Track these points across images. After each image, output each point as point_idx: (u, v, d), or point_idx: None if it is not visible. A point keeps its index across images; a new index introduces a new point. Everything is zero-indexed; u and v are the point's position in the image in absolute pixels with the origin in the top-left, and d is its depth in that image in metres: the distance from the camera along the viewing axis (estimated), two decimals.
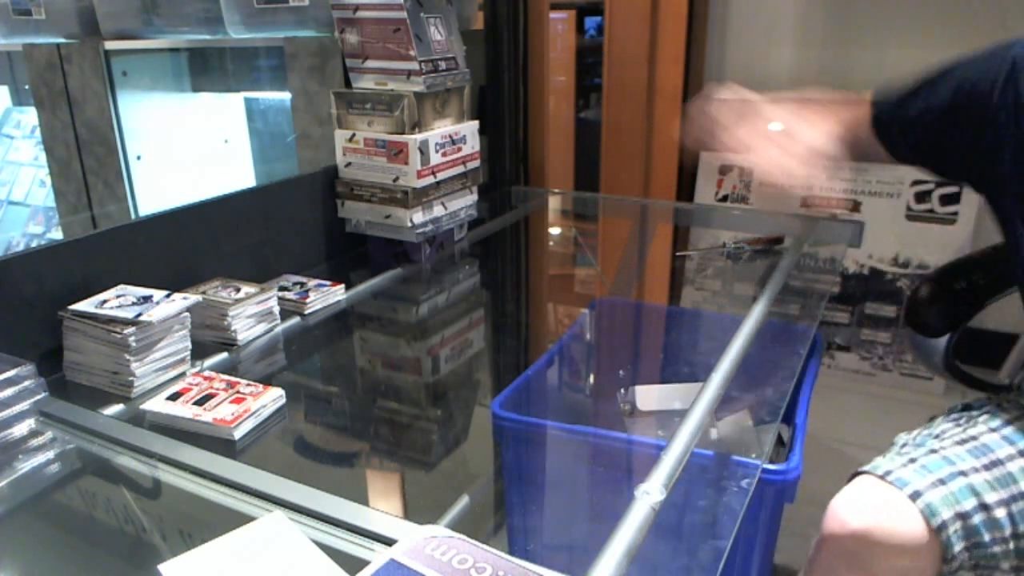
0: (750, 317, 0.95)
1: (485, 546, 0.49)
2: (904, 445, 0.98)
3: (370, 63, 1.04)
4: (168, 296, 0.87)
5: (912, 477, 0.88)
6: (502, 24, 1.59)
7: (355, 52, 0.98)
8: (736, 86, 1.04)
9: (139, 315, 0.82)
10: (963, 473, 0.88)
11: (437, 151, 1.20)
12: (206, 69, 2.18)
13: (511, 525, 0.93)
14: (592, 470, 0.93)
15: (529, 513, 0.94)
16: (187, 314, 0.87)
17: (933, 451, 0.91)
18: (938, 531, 0.84)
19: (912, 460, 0.91)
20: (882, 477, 0.88)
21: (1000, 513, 0.86)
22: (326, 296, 1.07)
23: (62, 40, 1.77)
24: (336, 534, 0.59)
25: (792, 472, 0.90)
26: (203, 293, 0.95)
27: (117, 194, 2.10)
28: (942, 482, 0.87)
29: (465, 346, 1.09)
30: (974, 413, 0.99)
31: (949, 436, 0.94)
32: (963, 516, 0.85)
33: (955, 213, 1.71)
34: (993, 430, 0.93)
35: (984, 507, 0.86)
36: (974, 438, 0.92)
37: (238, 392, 0.80)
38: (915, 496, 0.86)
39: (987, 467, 0.88)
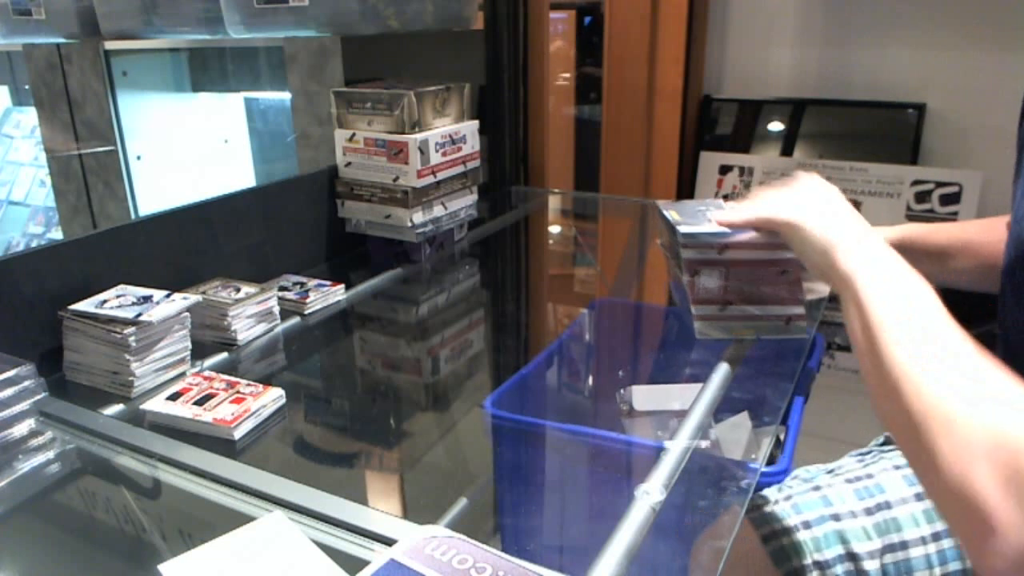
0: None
1: (485, 546, 0.49)
2: (795, 478, 0.91)
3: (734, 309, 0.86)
4: (168, 296, 0.87)
5: (774, 517, 0.82)
6: (502, 24, 1.59)
7: (711, 298, 0.81)
8: None
9: (139, 315, 0.82)
10: (836, 517, 0.81)
11: (437, 151, 1.20)
12: (206, 69, 2.18)
13: (503, 524, 0.93)
14: (586, 470, 0.93)
15: (522, 513, 0.94)
16: (187, 314, 0.87)
17: (816, 488, 0.85)
18: None
19: (788, 498, 0.85)
20: (747, 513, 0.82)
21: (871, 565, 0.78)
22: (326, 296, 1.07)
23: (62, 40, 1.77)
24: (336, 534, 0.59)
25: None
26: (203, 293, 0.95)
27: (117, 194, 2.10)
28: (807, 525, 0.81)
29: (465, 346, 1.09)
30: (887, 449, 0.91)
31: (843, 472, 0.87)
32: (821, 565, 0.79)
33: (955, 213, 1.71)
34: (898, 467, 0.84)
35: (852, 556, 0.78)
36: (870, 476, 0.84)
37: (238, 392, 0.80)
38: (767, 539, 0.81)
39: (869, 511, 0.80)
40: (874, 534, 0.79)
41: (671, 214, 0.87)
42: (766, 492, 0.87)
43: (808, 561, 0.79)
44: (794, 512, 0.83)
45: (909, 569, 0.77)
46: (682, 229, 0.81)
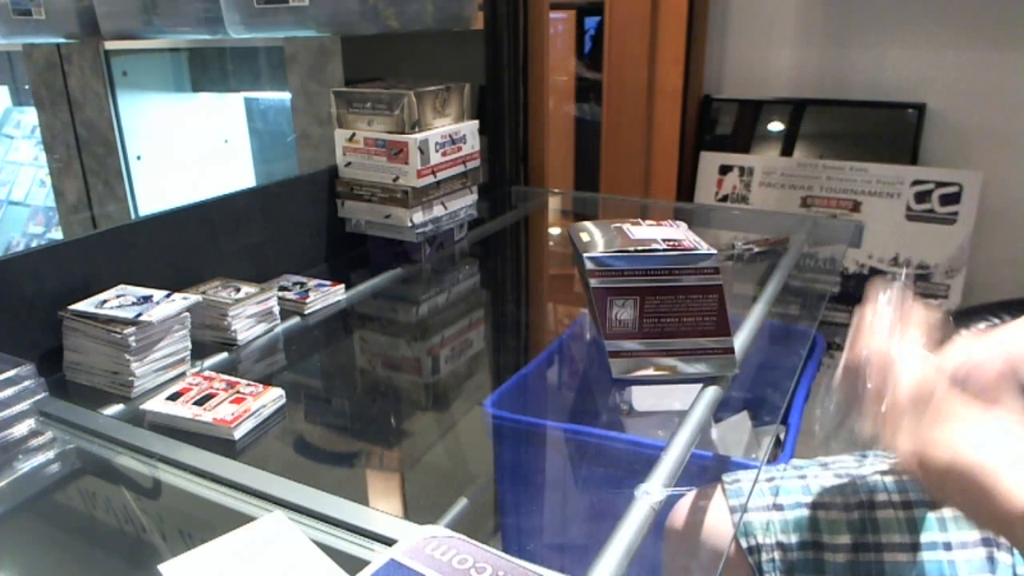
0: (750, 317, 0.95)
1: (485, 546, 0.49)
2: (787, 466, 0.90)
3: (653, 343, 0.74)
4: (168, 296, 0.87)
5: (753, 493, 0.82)
6: (502, 24, 1.59)
7: (626, 331, 0.72)
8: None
9: (139, 315, 0.82)
10: (811, 505, 0.80)
11: (437, 150, 1.20)
12: (206, 69, 2.18)
13: (505, 524, 0.93)
14: (586, 470, 0.93)
15: (523, 512, 0.94)
16: (187, 314, 0.87)
17: (802, 477, 0.84)
18: (749, 553, 0.79)
19: (771, 479, 0.85)
20: (728, 484, 0.83)
21: (835, 558, 0.77)
22: (326, 296, 1.07)
23: (62, 40, 1.77)
24: (336, 534, 0.59)
25: None
26: (203, 293, 0.95)
27: (117, 194, 2.10)
28: (779, 507, 0.81)
29: (465, 346, 1.09)
30: (891, 455, 0.88)
31: (836, 467, 0.86)
32: (783, 547, 0.79)
33: (955, 213, 1.71)
34: (894, 472, 0.82)
35: (817, 546, 0.78)
36: (862, 475, 0.82)
37: (238, 392, 0.80)
38: (736, 510, 0.81)
39: (848, 507, 0.79)
40: (846, 529, 0.78)
41: (581, 236, 0.78)
42: (752, 472, 0.87)
43: (769, 540, 0.79)
44: (771, 493, 0.83)
45: (882, 572, 0.76)
46: (588, 254, 0.72)
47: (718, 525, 0.82)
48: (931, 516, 0.78)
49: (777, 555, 0.79)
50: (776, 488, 0.84)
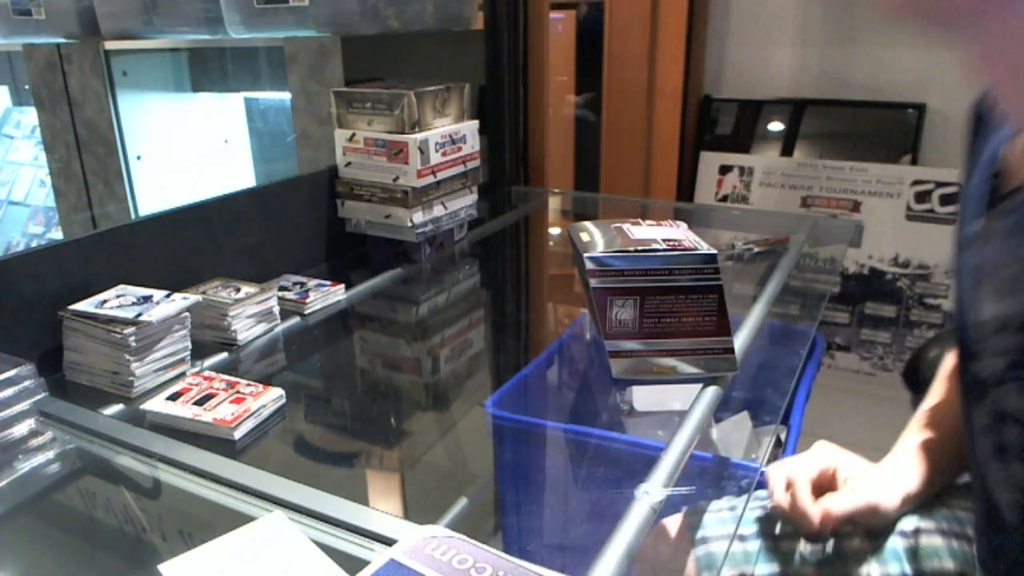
0: (750, 317, 0.95)
1: (485, 546, 0.49)
2: (753, 496, 0.88)
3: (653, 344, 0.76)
4: (168, 296, 0.87)
5: (714, 522, 0.80)
6: (502, 24, 1.59)
7: (626, 332, 0.75)
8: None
9: (139, 315, 0.82)
10: (777, 536, 0.77)
11: (437, 150, 1.20)
12: (206, 69, 2.18)
13: (506, 524, 0.93)
14: (586, 470, 0.93)
15: (524, 512, 0.94)
16: (187, 314, 0.87)
17: (764, 507, 0.81)
18: None
19: (732, 508, 0.83)
20: (691, 514, 0.81)
21: None
22: (326, 296, 1.07)
23: (62, 40, 1.77)
24: (336, 534, 0.59)
25: None
26: (203, 293, 0.95)
27: (117, 194, 2.10)
28: (742, 538, 0.78)
29: (465, 346, 1.09)
30: None
31: None
32: None
33: (955, 213, 1.71)
34: None
35: None
36: None
37: (238, 392, 0.80)
38: (701, 541, 0.79)
39: (812, 537, 0.77)
40: (811, 560, 0.76)
41: (581, 236, 0.78)
42: (714, 503, 0.85)
43: (732, 573, 0.77)
44: (732, 522, 0.80)
45: None
46: (588, 254, 0.72)
47: (682, 557, 0.80)
48: (901, 547, 0.76)
49: None
50: (738, 518, 0.81)
